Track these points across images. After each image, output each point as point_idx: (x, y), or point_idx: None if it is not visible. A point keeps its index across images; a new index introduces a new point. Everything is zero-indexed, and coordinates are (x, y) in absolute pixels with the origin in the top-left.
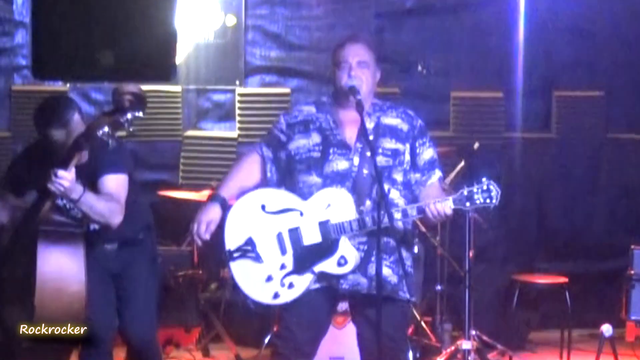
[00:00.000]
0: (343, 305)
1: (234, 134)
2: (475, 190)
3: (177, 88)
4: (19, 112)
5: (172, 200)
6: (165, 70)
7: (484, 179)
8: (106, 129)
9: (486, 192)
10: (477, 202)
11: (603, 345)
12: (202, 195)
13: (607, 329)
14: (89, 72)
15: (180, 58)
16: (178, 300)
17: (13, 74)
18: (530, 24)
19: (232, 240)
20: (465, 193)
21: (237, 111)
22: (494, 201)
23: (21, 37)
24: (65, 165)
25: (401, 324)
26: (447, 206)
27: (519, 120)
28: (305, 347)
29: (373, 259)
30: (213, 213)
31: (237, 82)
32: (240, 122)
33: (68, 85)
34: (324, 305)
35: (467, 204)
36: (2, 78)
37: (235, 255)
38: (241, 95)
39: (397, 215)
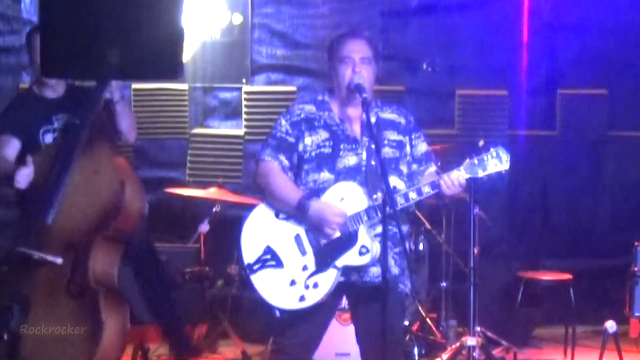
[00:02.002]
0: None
1: (241, 131)
2: (484, 158)
3: (184, 86)
4: None
5: (179, 197)
6: (172, 68)
7: (491, 148)
8: None
9: (496, 158)
10: (489, 168)
11: (607, 341)
12: (209, 192)
13: (611, 325)
14: (97, 70)
15: (187, 56)
16: (185, 297)
17: (21, 72)
18: (534, 22)
19: (249, 254)
20: (476, 162)
21: (244, 109)
22: (505, 166)
23: None
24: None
25: (399, 316)
26: (460, 176)
27: (523, 118)
28: (307, 342)
29: (389, 250)
30: (327, 206)
31: (244, 80)
32: (246, 119)
33: (76, 83)
34: (327, 301)
35: (480, 171)
36: (10, 76)
37: (255, 267)
38: (248, 93)
39: (413, 195)
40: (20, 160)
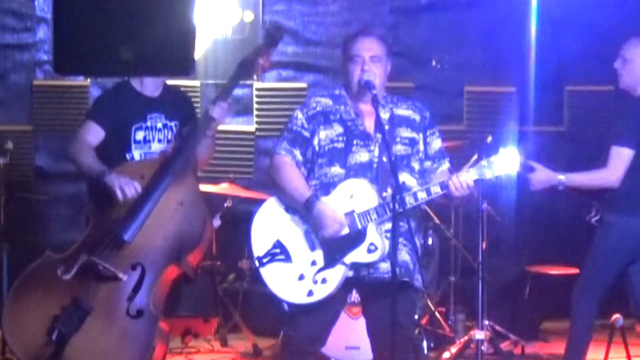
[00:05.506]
0: (358, 296)
1: (252, 128)
2: (493, 160)
3: (195, 83)
4: (40, 107)
5: None
6: (184, 65)
7: (501, 149)
8: (261, 61)
9: (506, 160)
10: (498, 171)
11: (614, 335)
12: (221, 188)
13: (617, 319)
14: (110, 67)
15: (198, 53)
16: (197, 291)
17: (35, 69)
18: (542, 19)
19: (259, 247)
20: (485, 164)
21: (255, 105)
22: (514, 168)
23: (43, 32)
24: (225, 97)
25: (411, 311)
26: (469, 178)
27: (531, 114)
28: (315, 335)
29: (400, 246)
30: (331, 211)
31: (255, 77)
32: (257, 116)
33: (89, 80)
34: (335, 295)
35: (488, 173)
36: (24, 73)
37: (265, 260)
38: (259, 89)
39: (422, 195)
40: (110, 156)
